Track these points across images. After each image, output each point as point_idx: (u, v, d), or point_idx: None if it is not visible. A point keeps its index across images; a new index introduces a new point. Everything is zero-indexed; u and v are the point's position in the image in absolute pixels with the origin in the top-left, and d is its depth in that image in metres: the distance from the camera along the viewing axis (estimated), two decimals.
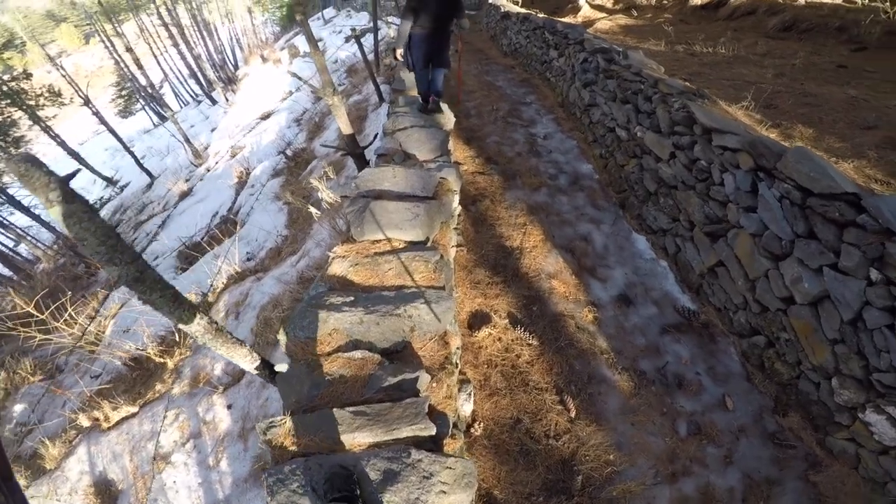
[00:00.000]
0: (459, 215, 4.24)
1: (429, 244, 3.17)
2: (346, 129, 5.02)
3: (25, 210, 13.61)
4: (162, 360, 4.42)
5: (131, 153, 16.88)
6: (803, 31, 6.84)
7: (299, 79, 4.78)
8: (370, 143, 5.57)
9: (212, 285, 5.87)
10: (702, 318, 3.51)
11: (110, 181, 19.45)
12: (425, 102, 4.85)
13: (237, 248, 6.46)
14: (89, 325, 5.64)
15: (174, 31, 21.13)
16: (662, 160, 4.09)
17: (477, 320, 3.47)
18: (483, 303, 3.62)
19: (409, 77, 6.16)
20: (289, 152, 8.69)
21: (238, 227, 8.02)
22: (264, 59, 20.37)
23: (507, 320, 3.47)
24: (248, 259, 6.99)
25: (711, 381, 3.04)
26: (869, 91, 4.85)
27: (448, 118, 4.95)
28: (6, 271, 11.77)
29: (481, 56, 9.47)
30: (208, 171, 13.29)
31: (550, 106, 6.44)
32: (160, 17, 21.41)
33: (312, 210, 5.13)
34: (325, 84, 4.74)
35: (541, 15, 8.18)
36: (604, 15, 9.04)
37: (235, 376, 3.95)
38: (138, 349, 4.59)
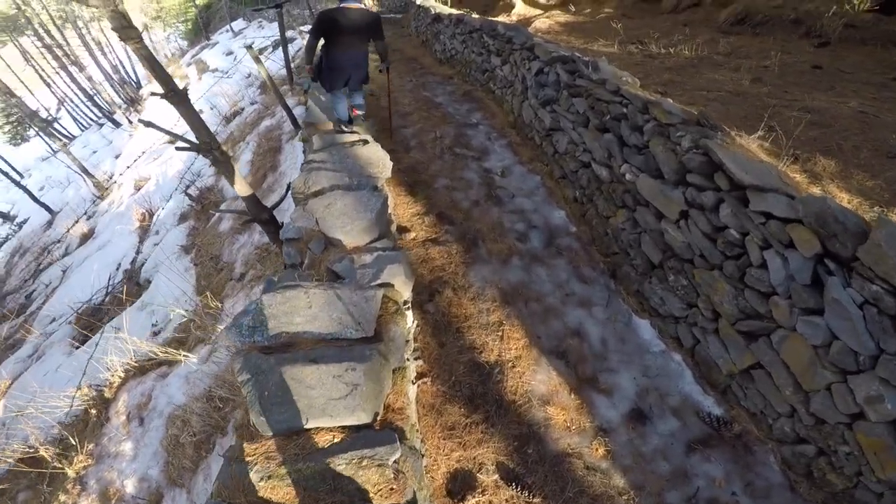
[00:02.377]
0: (415, 323, 2.89)
1: (378, 422, 1.84)
2: (243, 190, 3.54)
3: None
4: (59, 466, 3.51)
5: (23, 188, 13.92)
6: (757, 24, 5.95)
7: (168, 133, 3.18)
8: (283, 198, 4.07)
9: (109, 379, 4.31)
10: (735, 429, 2.59)
11: (6, 217, 16.23)
12: (349, 124, 4.11)
13: (127, 337, 4.72)
14: None
15: (59, 52, 17.92)
16: (668, 219, 2.90)
17: (458, 484, 2.30)
18: (463, 456, 2.39)
19: (322, 105, 4.65)
20: (194, 191, 6.84)
21: (129, 293, 6.26)
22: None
23: (496, 475, 2.34)
24: (155, 333, 5.44)
25: (751, 500, 2.34)
26: (863, 100, 3.95)
27: (382, 163, 3.51)
28: None
29: (414, 65, 7.87)
30: (111, 205, 11.00)
31: (501, 127, 5.11)
32: (41, 39, 18.02)
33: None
34: (202, 140, 3.20)
35: (475, 16, 6.78)
36: (539, 12, 7.78)
37: (152, 500, 3.14)
38: (27, 450, 3.73)
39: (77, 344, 5.94)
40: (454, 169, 4.27)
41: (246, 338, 2.13)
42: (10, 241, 13.15)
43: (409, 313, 2.68)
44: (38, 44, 19.62)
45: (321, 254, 2.79)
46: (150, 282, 6.34)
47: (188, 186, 7.14)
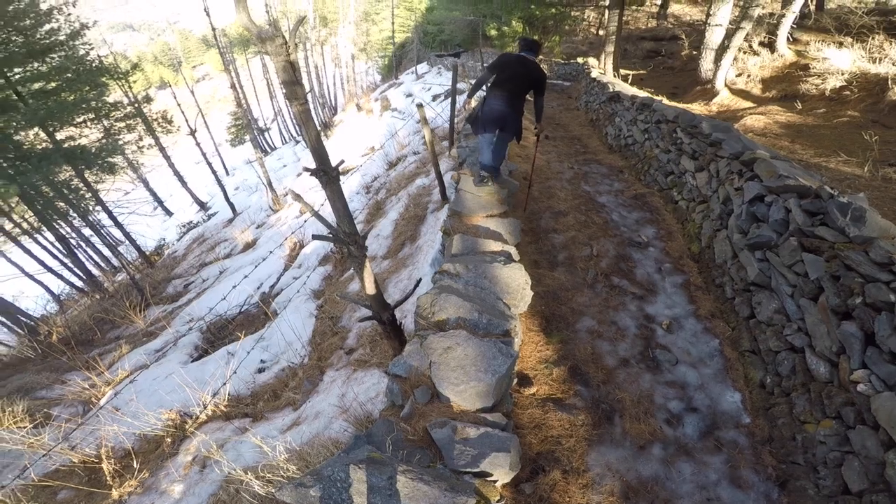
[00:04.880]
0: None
1: None
2: (371, 289, 3.36)
3: (119, 226, 13.87)
4: (111, 482, 3.66)
5: (221, 187, 16.95)
6: None
7: (312, 212, 3.16)
8: (407, 296, 3.81)
9: (199, 412, 4.54)
10: None
11: (202, 205, 19.97)
12: (490, 172, 4.32)
13: (229, 381, 4.90)
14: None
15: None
16: None
17: None
18: None
19: (471, 191, 4.38)
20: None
21: (257, 319, 6.72)
22: (359, 108, 19.97)
23: None
24: (260, 370, 5.55)
25: None
26: None
27: (520, 293, 3.01)
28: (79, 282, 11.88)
29: (578, 147, 7.22)
30: (277, 222, 12.57)
31: (678, 256, 4.15)
32: None
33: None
34: (342, 229, 3.12)
35: (666, 102, 5.96)
36: (750, 104, 6.56)
37: None
38: (91, 457, 3.93)
39: (195, 356, 6.45)
40: (606, 307, 3.50)
41: (305, 500, 1.83)
42: (197, 228, 16.04)
43: None
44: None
45: (424, 405, 2.39)
46: (276, 314, 6.79)
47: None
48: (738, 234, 3.54)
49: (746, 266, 3.34)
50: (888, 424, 2.04)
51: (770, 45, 9.76)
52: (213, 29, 13.22)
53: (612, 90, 7.67)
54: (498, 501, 1.98)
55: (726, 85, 8.68)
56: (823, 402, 2.49)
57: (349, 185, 11.13)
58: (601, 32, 16.61)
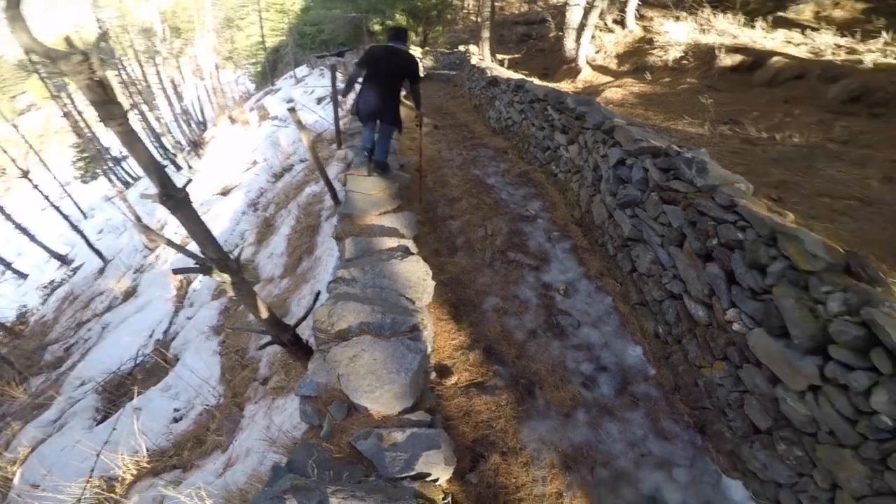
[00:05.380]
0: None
1: None
2: (262, 312, 3.21)
3: None
4: None
5: (80, 233, 14.91)
6: (876, 103, 5.18)
7: (171, 245, 2.92)
8: (308, 313, 3.70)
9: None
10: None
11: (63, 260, 17.42)
12: (369, 159, 4.52)
13: (139, 433, 4.52)
14: None
15: (133, 90, 19.55)
16: (788, 388, 2.22)
17: None
18: None
19: (361, 191, 4.37)
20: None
21: (157, 370, 6.14)
22: (233, 121, 18.68)
23: None
24: (176, 420, 5.25)
25: None
26: None
27: (422, 285, 3.07)
28: None
29: (465, 134, 7.53)
30: (157, 261, 11.39)
31: (563, 223, 4.54)
32: (119, 74, 19.75)
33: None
34: (209, 256, 2.93)
35: (537, 82, 6.41)
36: (609, 79, 7.33)
37: None
38: None
39: (98, 418, 5.94)
40: (506, 282, 3.73)
41: None
42: (63, 286, 13.97)
43: None
44: (118, 79, 21.38)
45: (343, 421, 2.34)
46: (177, 359, 6.27)
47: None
48: (609, 197, 3.94)
49: (621, 223, 3.74)
50: (767, 360, 2.30)
51: (622, 22, 10.90)
52: (27, 53, 11.49)
53: (490, 75, 8.09)
54: (444, 499, 2.00)
55: (588, 62, 9.55)
56: (710, 345, 2.79)
57: (233, 205, 10.43)
58: (479, 19, 17.34)
